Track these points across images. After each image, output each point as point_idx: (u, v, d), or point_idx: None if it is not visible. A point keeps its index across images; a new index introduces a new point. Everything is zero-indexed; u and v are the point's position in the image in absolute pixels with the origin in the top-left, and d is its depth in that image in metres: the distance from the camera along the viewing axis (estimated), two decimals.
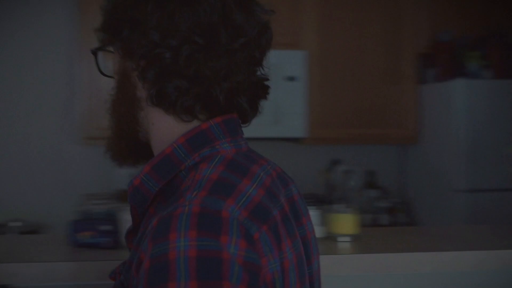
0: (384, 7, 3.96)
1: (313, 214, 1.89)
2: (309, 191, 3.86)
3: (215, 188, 0.88)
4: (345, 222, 1.90)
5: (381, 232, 2.07)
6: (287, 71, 3.75)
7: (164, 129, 0.99)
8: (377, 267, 1.60)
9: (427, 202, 3.90)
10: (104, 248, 1.51)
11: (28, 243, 1.62)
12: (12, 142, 3.95)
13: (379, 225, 3.89)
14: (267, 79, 1.03)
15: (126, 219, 1.53)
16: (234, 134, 1.00)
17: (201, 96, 0.95)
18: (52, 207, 3.93)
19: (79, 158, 4.00)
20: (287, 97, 3.74)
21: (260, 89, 1.02)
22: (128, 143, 1.04)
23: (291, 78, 3.75)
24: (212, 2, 0.95)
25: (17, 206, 3.89)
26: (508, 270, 1.73)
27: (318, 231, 1.91)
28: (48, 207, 3.93)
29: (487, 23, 3.97)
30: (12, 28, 3.93)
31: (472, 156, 3.52)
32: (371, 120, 3.91)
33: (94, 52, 1.07)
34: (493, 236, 1.94)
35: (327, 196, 3.89)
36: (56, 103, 3.99)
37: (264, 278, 0.84)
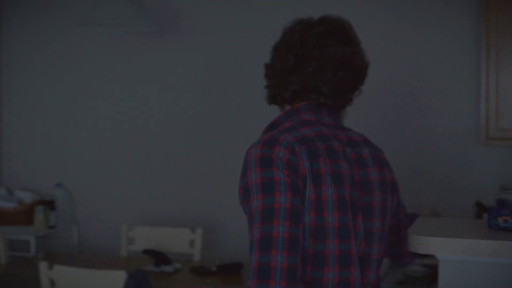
0: None
1: None
2: None
3: (283, 130, 1.57)
4: None
5: None
6: None
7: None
8: None
9: None
10: None
11: (450, 224, 1.84)
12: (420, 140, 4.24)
13: None
14: None
15: None
16: (320, 113, 1.65)
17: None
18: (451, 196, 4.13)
19: (479, 158, 4.13)
20: None
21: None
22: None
23: None
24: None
25: None
26: None
27: None
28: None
29: None
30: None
31: None
32: None
33: None
34: None
35: None
36: (462, 104, 4.18)
37: (301, 171, 1.49)
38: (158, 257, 3.62)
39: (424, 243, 1.63)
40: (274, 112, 1.80)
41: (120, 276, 2.88)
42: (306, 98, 1.66)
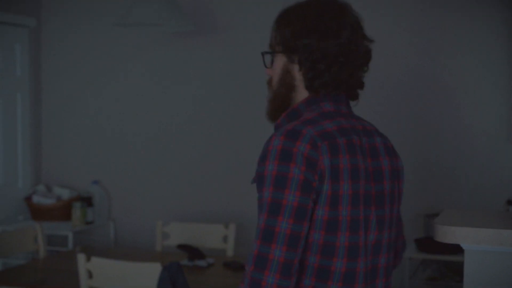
0: None
1: None
2: None
3: (305, 121, 1.58)
4: None
5: None
6: None
7: (301, 99, 1.69)
8: None
9: None
10: None
11: (475, 215, 1.88)
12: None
13: None
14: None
15: None
16: (338, 102, 1.68)
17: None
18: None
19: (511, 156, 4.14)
20: None
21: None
22: (283, 111, 1.71)
23: None
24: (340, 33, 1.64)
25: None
26: None
27: None
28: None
29: None
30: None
31: None
32: None
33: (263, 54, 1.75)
34: None
35: None
36: (494, 102, 4.18)
37: (320, 166, 1.52)
38: (192, 252, 3.69)
39: (450, 232, 1.67)
40: None
41: (155, 268, 2.95)
42: (327, 88, 1.66)
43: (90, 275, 3.08)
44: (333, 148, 1.55)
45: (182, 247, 3.77)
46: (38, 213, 4.79)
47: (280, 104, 1.72)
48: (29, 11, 4.94)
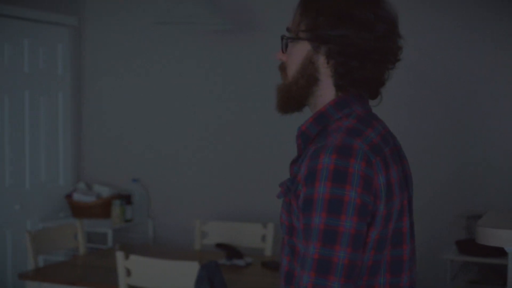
0: None
1: None
2: None
3: (350, 132, 1.41)
4: None
5: None
6: None
7: (325, 97, 1.50)
8: None
9: None
10: None
11: None
12: None
13: None
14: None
15: None
16: (363, 102, 1.51)
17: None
18: None
19: None
20: None
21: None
22: (297, 104, 1.54)
23: None
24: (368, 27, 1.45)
25: None
26: None
27: None
28: None
29: None
30: None
31: None
32: None
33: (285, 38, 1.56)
34: None
35: None
36: None
37: (375, 186, 1.37)
38: (230, 251, 3.69)
39: (494, 235, 1.63)
40: None
41: (193, 267, 2.96)
42: (357, 87, 1.50)
43: (128, 273, 3.09)
44: (385, 163, 1.42)
45: (221, 246, 3.77)
46: (78, 210, 4.85)
47: (294, 96, 1.53)
48: (71, 11, 5.00)
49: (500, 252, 3.47)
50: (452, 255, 3.75)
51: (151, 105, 4.99)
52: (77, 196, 4.85)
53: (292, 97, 1.53)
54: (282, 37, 1.55)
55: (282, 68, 1.56)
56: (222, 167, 4.80)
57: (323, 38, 1.47)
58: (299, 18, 1.52)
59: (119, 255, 3.08)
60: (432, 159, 4.25)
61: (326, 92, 1.50)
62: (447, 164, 4.24)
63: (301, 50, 1.51)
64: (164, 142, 4.96)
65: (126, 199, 4.75)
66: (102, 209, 4.84)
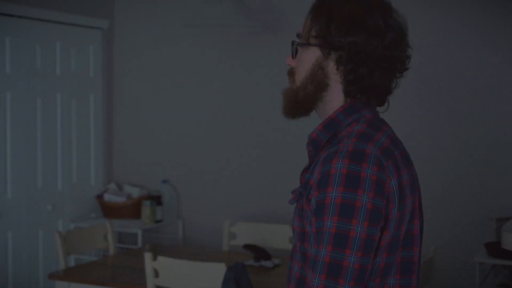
0: None
1: None
2: None
3: (361, 137, 1.42)
4: None
5: None
6: None
7: (333, 102, 1.52)
8: None
9: None
10: None
11: None
12: None
13: None
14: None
15: None
16: (371, 107, 1.52)
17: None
18: None
19: None
20: None
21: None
22: (303, 109, 1.56)
23: None
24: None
25: None
26: None
27: None
28: None
29: None
30: None
31: None
32: None
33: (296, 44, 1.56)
34: None
35: None
36: None
37: (387, 189, 1.39)
38: (258, 252, 3.70)
39: None
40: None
41: (219, 268, 2.98)
42: (366, 93, 1.51)
43: (156, 273, 3.13)
44: (397, 166, 1.43)
45: (249, 247, 3.78)
46: (109, 211, 4.91)
47: (301, 101, 1.54)
48: (102, 14, 5.06)
49: None
50: (481, 258, 3.71)
51: (181, 106, 5.02)
52: (108, 197, 4.91)
53: (299, 102, 1.55)
54: (293, 43, 1.56)
55: (291, 73, 1.58)
56: (251, 168, 4.82)
57: (333, 45, 1.47)
58: (309, 24, 1.52)
59: (147, 256, 3.11)
60: (462, 160, 4.22)
61: (335, 97, 1.52)
62: (477, 165, 4.19)
63: (311, 56, 1.52)
64: (194, 144, 4.99)
65: (156, 199, 4.80)
66: (133, 210, 4.89)
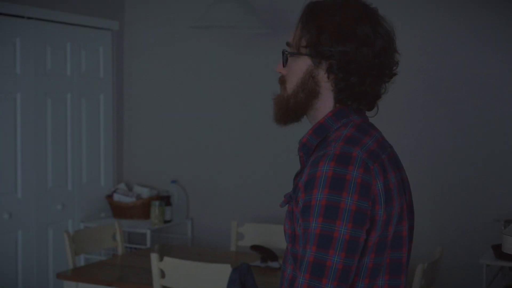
0: None
1: None
2: None
3: (348, 141, 1.46)
4: None
5: None
6: None
7: (324, 109, 1.55)
8: None
9: None
10: None
11: None
12: None
13: None
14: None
15: None
16: (360, 112, 1.55)
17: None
18: None
19: None
20: None
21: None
22: (295, 116, 1.59)
23: None
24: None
25: None
26: None
27: None
28: None
29: None
30: None
31: None
32: None
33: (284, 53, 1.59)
34: None
35: None
36: None
37: (373, 191, 1.42)
38: (265, 253, 3.71)
39: None
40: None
41: (225, 269, 2.99)
42: (356, 100, 1.55)
43: (162, 274, 3.15)
44: (383, 169, 1.46)
45: (256, 248, 3.80)
46: (118, 211, 4.94)
47: (292, 109, 1.57)
48: (112, 15, 5.09)
49: None
50: (488, 260, 3.70)
51: (190, 107, 5.05)
52: (117, 197, 4.94)
53: (290, 109, 1.58)
54: (283, 52, 1.59)
55: (282, 81, 1.61)
56: (260, 169, 4.83)
57: (324, 54, 1.50)
58: (299, 33, 1.55)
59: (153, 256, 3.13)
60: (470, 161, 4.21)
61: (325, 104, 1.56)
62: (485, 167, 4.18)
63: (301, 65, 1.55)
64: (203, 144, 5.01)
65: (165, 200, 4.82)
66: (142, 210, 4.92)
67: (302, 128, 4.92)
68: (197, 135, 5.03)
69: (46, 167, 4.61)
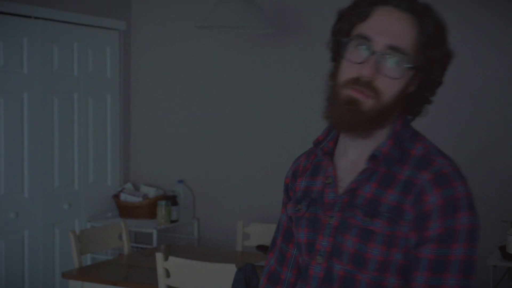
0: None
1: None
2: None
3: (442, 153, 1.43)
4: None
5: None
6: None
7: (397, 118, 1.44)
8: None
9: None
10: None
11: None
12: None
13: None
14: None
15: None
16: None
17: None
18: None
19: None
20: None
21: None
22: (378, 127, 1.42)
23: None
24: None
25: None
26: None
27: None
28: None
29: None
30: None
31: None
32: None
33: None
34: None
35: None
36: None
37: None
38: None
39: None
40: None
41: (230, 269, 2.99)
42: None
43: (167, 274, 3.15)
44: None
45: (261, 248, 3.79)
46: (125, 210, 4.94)
47: (383, 119, 1.41)
48: (119, 15, 5.10)
49: None
50: (495, 261, 3.69)
51: (197, 107, 5.05)
52: (124, 197, 4.95)
53: (381, 119, 1.41)
54: (409, 67, 1.40)
55: (371, 86, 1.39)
56: (266, 168, 4.83)
57: (430, 72, 1.45)
58: (415, 43, 1.42)
59: (158, 256, 3.13)
60: (476, 162, 4.19)
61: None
62: (492, 168, 4.16)
63: (407, 76, 1.41)
64: (209, 144, 5.01)
65: (172, 200, 4.82)
66: (148, 210, 4.92)
67: (305, 127, 4.88)
68: (204, 135, 5.03)
69: (53, 167, 4.62)
